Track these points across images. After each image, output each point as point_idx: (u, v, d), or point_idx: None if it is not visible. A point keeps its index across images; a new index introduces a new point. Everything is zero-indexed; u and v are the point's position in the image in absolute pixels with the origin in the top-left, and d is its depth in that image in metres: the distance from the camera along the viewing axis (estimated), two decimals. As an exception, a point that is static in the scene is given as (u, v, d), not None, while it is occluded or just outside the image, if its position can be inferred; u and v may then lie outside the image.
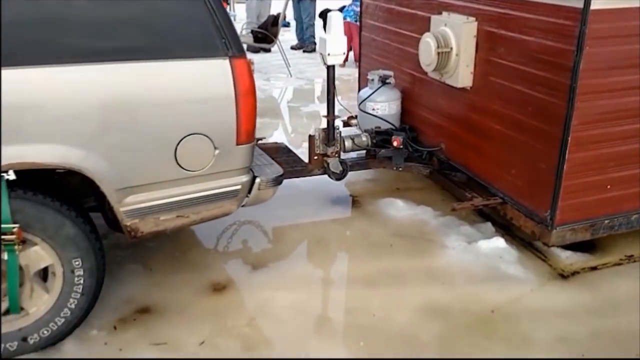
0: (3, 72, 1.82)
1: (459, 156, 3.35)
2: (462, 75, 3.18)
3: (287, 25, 9.19)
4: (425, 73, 3.43)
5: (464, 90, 3.21)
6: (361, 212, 3.49)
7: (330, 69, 3.23)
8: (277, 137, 4.95)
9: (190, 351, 2.21)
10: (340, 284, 2.78)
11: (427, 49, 3.22)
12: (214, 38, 2.15)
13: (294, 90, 6.69)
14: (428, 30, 3.32)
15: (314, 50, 8.54)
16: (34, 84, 1.89)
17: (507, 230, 3.15)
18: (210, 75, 2.17)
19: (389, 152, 3.45)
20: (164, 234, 2.49)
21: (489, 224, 3.20)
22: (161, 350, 2.21)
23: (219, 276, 2.75)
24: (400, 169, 3.46)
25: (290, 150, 3.51)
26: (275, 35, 7.31)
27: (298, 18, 8.53)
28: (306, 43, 8.51)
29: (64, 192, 2.17)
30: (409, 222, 3.28)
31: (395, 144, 3.35)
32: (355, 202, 3.61)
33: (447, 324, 2.44)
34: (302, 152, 3.62)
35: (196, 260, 2.90)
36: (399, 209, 3.41)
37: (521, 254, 2.96)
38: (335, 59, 3.15)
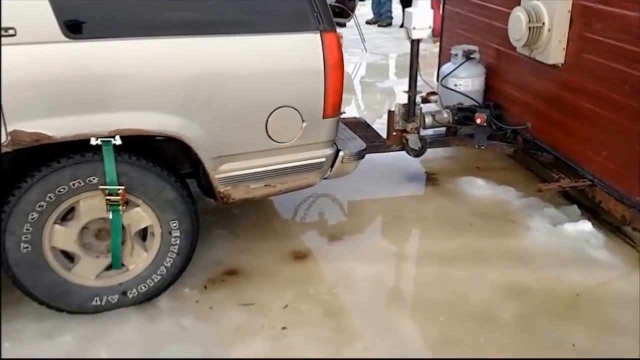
0: (119, 43, 1.95)
1: (546, 135, 3.24)
2: (554, 51, 3.05)
3: (363, -1, 9.11)
4: (513, 48, 3.33)
5: (555, 67, 3.09)
6: (439, 189, 3.46)
7: (415, 43, 3.20)
8: (351, 113, 4.96)
9: (275, 313, 2.31)
10: (418, 259, 2.80)
11: (518, 24, 3.11)
12: (307, 12, 2.19)
13: (368, 65, 6.66)
14: (519, 4, 3.20)
15: (389, 24, 8.43)
16: (141, 55, 2.01)
17: (594, 213, 3.04)
18: (301, 49, 2.22)
19: (471, 130, 3.39)
20: (251, 201, 2.61)
21: (574, 207, 3.10)
22: (248, 310, 2.33)
23: (300, 245, 2.85)
24: (483, 147, 3.39)
25: (369, 126, 3.53)
26: (352, 9, 7.26)
27: (375, -7, 8.43)
28: (382, 18, 8.40)
29: (163, 159, 2.31)
30: (490, 202, 3.23)
31: (478, 121, 3.28)
32: (432, 179, 3.59)
33: (529, 305, 2.41)
34: (377, 129, 3.63)
35: (277, 229, 3.01)
36: (479, 188, 3.36)
37: (608, 238, 2.85)
38: (420, 33, 3.11)
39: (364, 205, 3.32)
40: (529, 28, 3.05)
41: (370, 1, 8.75)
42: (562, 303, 2.42)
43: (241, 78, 2.16)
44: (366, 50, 7.13)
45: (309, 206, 3.28)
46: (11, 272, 2.07)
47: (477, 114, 3.30)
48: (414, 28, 3.08)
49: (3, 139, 1.84)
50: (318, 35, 2.22)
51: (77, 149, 2.03)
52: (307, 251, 2.80)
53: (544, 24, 3.03)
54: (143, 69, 2.01)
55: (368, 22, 8.43)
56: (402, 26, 8.51)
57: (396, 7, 8.82)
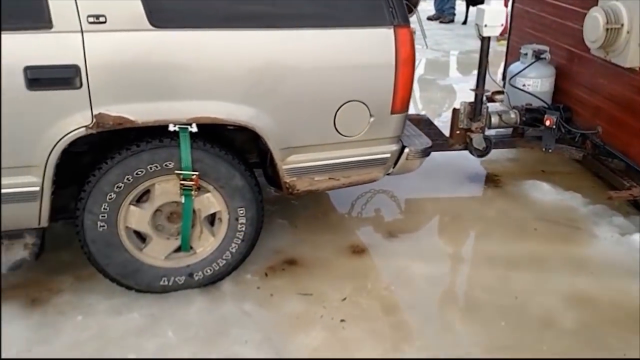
0: (200, 33, 2.02)
1: (618, 141, 3.11)
2: (632, 54, 2.92)
3: (425, -5, 8.97)
4: (587, 50, 3.20)
5: (632, 70, 2.96)
6: (501, 192, 3.39)
7: (485, 41, 3.13)
8: (410, 110, 4.91)
9: (333, 305, 2.34)
10: (478, 262, 2.76)
11: (594, 25, 3.00)
12: (382, 7, 2.20)
13: (429, 62, 6.56)
14: (596, 4, 3.08)
15: (451, 21, 8.29)
16: (220, 45, 2.06)
17: (666, 225, 2.90)
18: (374, 44, 2.22)
19: (539, 132, 3.29)
20: (314, 193, 2.65)
21: (645, 217, 2.97)
22: (307, 300, 2.37)
23: (357, 240, 2.86)
24: (550, 150, 3.29)
25: (431, 123, 3.49)
26: (415, 5, 7.13)
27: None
28: (445, 14, 8.27)
29: (233, 148, 2.37)
30: (555, 207, 3.13)
31: (547, 123, 3.19)
32: (495, 181, 3.51)
33: (593, 315, 2.34)
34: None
35: (335, 223, 3.04)
36: (544, 192, 3.27)
37: (680, 252, 2.72)
38: (491, 31, 3.04)
39: (422, 204, 3.29)
40: (607, 29, 2.93)
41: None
42: (629, 315, 2.33)
43: (313, 71, 2.18)
44: (427, 47, 7.02)
45: (367, 201, 3.29)
46: (87, 248, 2.19)
47: (546, 116, 3.21)
48: (485, 25, 3.02)
49: (89, 122, 1.94)
50: (392, 30, 2.22)
51: (156, 135, 2.11)
52: (365, 246, 2.80)
53: (622, 25, 2.90)
54: (221, 59, 2.07)
55: (430, 18, 8.31)
56: (464, 23, 8.44)
57: (459, 4, 8.66)
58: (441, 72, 6.21)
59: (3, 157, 1.92)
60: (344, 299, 2.39)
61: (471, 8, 8.24)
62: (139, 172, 2.12)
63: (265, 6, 2.13)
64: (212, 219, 2.39)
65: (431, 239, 2.95)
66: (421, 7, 8.29)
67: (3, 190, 1.97)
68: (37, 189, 1.99)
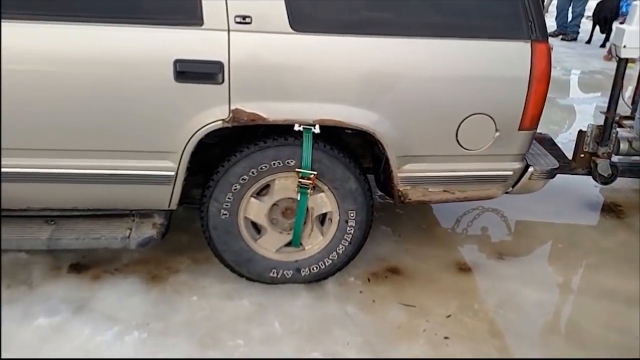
0: (335, 38, 2.07)
1: None
2: None
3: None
4: None
5: None
6: (623, 223, 3.16)
7: (622, 63, 2.93)
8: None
9: (437, 320, 2.30)
10: (595, 294, 2.58)
11: None
12: (521, 20, 2.13)
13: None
14: None
15: (574, 39, 7.87)
16: (352, 52, 2.09)
17: None
18: (509, 57, 2.16)
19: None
20: (425, 204, 2.62)
21: None
22: (410, 311, 2.35)
23: (463, 257, 2.78)
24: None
25: (554, 143, 3.32)
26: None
27: (564, 5, 7.90)
28: (568, 32, 7.86)
29: (348, 151, 2.41)
30: (686, 247, 2.87)
31: (685, 155, 2.92)
32: (617, 211, 3.28)
33: None
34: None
35: (441, 236, 2.98)
36: (675, 229, 3.00)
37: None
38: (630, 52, 2.85)
39: (534, 227, 3.15)
40: None
41: (555, 14, 8.22)
42: None
43: (442, 80, 2.16)
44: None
45: (474, 218, 3.20)
46: (208, 234, 2.31)
47: (684, 147, 2.94)
48: (624, 46, 2.83)
49: (226, 116, 2.06)
50: (529, 45, 2.14)
51: (281, 133, 2.19)
52: (472, 264, 2.72)
53: None
54: (352, 65, 2.10)
55: (551, 35, 7.90)
56: (588, 42, 7.96)
57: (583, 22, 8.20)
58: (561, 91, 5.90)
59: (146, 141, 2.09)
60: (449, 315, 2.33)
61: (598, 27, 7.77)
62: (263, 167, 2.21)
63: (399, 15, 2.13)
64: (322, 219, 2.44)
65: (543, 265, 2.81)
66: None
67: (141, 172, 2.14)
68: (172, 173, 2.14)
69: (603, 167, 3.05)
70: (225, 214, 2.27)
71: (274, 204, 2.33)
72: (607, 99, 3.14)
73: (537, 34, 2.15)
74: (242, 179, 2.22)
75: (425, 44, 2.13)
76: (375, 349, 2.13)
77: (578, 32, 7.92)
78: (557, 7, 8.12)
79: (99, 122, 2.05)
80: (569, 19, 7.88)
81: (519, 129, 2.25)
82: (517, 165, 2.36)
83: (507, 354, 2.16)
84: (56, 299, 2.28)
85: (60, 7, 1.97)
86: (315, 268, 2.43)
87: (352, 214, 2.36)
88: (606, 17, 7.48)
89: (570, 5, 7.82)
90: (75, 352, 2.03)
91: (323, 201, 2.36)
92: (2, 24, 1.93)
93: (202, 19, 1.97)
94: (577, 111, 5.18)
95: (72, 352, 2.03)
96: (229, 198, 2.24)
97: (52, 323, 2.16)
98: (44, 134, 2.06)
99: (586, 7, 7.92)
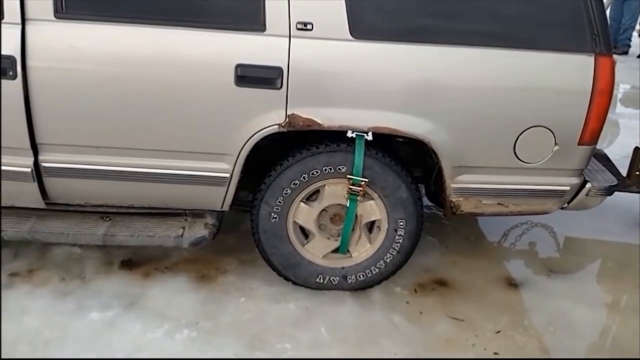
0: (393, 46, 2.06)
1: None
2: None
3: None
4: None
5: None
6: (681, 245, 3.04)
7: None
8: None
9: (486, 336, 2.25)
10: (648, 316, 2.49)
11: None
12: (585, 33, 2.08)
13: (595, 93, 6.08)
14: None
15: (625, 53, 7.65)
16: (410, 60, 2.09)
17: None
18: (571, 70, 2.11)
19: None
20: (478, 216, 2.58)
21: None
22: (458, 325, 2.31)
23: (512, 272, 2.72)
24: None
25: (609, 159, 3.21)
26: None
27: (616, 17, 7.69)
28: (619, 45, 7.65)
29: (399, 160, 2.39)
30: None
31: None
32: (674, 232, 3.16)
33: None
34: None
35: (488, 250, 2.93)
36: None
37: None
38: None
39: (583, 244, 3.07)
40: None
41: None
42: None
43: (501, 91, 2.13)
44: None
45: (522, 233, 3.13)
46: (258, 236, 2.33)
47: None
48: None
49: (282, 120, 2.07)
50: (592, 58, 2.09)
51: (334, 139, 2.20)
52: (521, 280, 2.66)
53: None
54: (408, 73, 2.09)
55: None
56: (639, 56, 7.69)
57: (634, 36, 7.96)
58: (612, 105, 5.72)
59: (204, 142, 2.12)
60: (498, 331, 2.29)
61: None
62: (315, 172, 2.22)
63: (460, 23, 2.12)
64: (370, 227, 2.43)
65: (593, 283, 2.73)
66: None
67: (197, 173, 2.17)
68: (228, 175, 2.17)
69: (660, 185, 2.94)
70: (275, 218, 2.28)
71: (323, 210, 2.34)
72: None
73: (602, 47, 2.10)
74: (294, 184, 2.23)
75: (485, 54, 2.11)
76: (424, 362, 2.11)
77: (629, 46, 7.69)
78: (609, 19, 7.92)
79: (159, 123, 2.10)
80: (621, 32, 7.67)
81: (579, 144, 2.20)
82: (575, 180, 2.31)
83: (559, 374, 2.11)
84: (108, 294, 2.34)
85: (125, 9, 2.03)
86: (362, 276, 2.42)
87: (401, 223, 2.34)
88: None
89: (622, 17, 7.61)
90: (126, 348, 2.07)
91: (372, 209, 2.35)
92: (70, 25, 2.00)
93: (264, 24, 2.00)
94: (628, 127, 5.02)
95: (123, 347, 2.07)
96: (279, 202, 2.26)
97: (105, 318, 2.21)
98: (106, 133, 2.12)
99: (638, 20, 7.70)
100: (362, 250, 2.42)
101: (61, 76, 2.03)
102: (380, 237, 2.39)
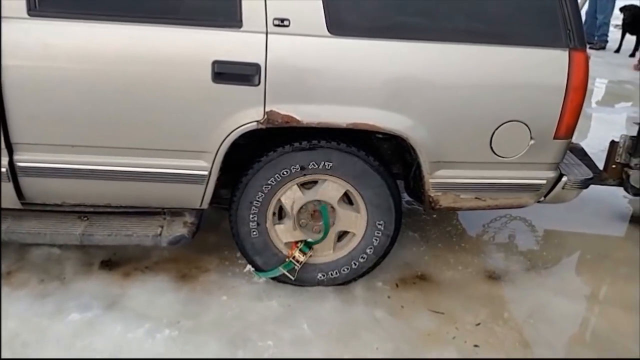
0: (370, 42, 2.06)
1: None
2: None
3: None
4: None
5: None
6: (656, 236, 3.11)
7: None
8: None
9: (467, 328, 2.27)
10: (625, 306, 2.52)
11: None
12: (559, 28, 2.11)
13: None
14: None
15: (602, 48, 7.78)
16: (388, 56, 2.09)
17: None
18: (546, 65, 2.14)
19: None
20: (456, 210, 2.60)
21: None
22: (439, 318, 2.33)
23: (492, 265, 2.75)
24: None
25: (586, 154, 3.27)
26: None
27: (591, 13, 7.82)
28: (596, 40, 7.77)
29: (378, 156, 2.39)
30: None
31: None
32: (650, 223, 3.22)
33: None
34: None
35: (468, 244, 2.95)
36: None
37: None
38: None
39: (563, 237, 3.11)
40: None
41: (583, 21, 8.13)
42: None
43: (478, 87, 2.14)
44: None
45: (502, 227, 3.17)
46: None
47: None
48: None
49: (261, 117, 2.07)
50: (566, 53, 2.12)
51: (307, 137, 2.20)
52: (501, 273, 2.69)
53: None
54: (388, 69, 2.10)
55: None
56: (617, 51, 7.84)
57: (612, 31, 8.09)
58: (589, 100, 5.81)
59: (181, 140, 2.11)
60: (478, 324, 2.31)
61: (627, 36, 7.66)
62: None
63: (436, 20, 2.14)
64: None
65: (573, 275, 2.77)
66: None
67: (175, 171, 2.16)
68: (206, 173, 2.16)
69: (635, 178, 2.99)
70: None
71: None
72: (637, 109, 3.10)
73: (576, 43, 2.13)
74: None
75: (461, 50, 2.12)
76: (405, 355, 2.12)
77: (607, 41, 7.82)
78: (585, 15, 8.05)
79: (136, 120, 2.08)
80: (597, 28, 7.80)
81: (554, 138, 2.22)
82: (551, 174, 2.34)
83: (538, 365, 2.13)
84: (88, 295, 2.31)
85: (100, 6, 2.01)
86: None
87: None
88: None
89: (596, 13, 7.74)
90: (106, 348, 2.05)
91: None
92: (45, 23, 1.97)
93: (241, 20, 1.99)
94: (605, 121, 5.11)
95: (104, 348, 2.05)
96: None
97: (85, 319, 2.19)
98: (82, 131, 2.09)
99: (614, 15, 7.82)
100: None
101: (35, 74, 2.00)
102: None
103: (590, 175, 2.45)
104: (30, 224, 2.26)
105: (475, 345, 2.19)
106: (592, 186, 3.14)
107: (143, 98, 2.05)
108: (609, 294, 2.66)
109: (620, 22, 7.75)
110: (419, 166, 2.27)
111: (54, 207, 2.30)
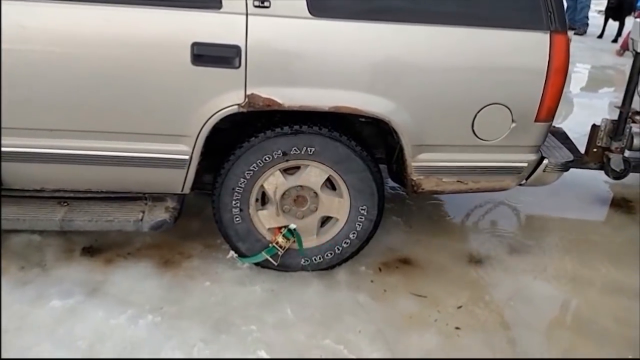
0: (353, 24, 2.05)
1: None
2: None
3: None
4: None
5: None
6: (634, 219, 3.17)
7: (638, 57, 2.91)
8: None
9: (448, 311, 2.30)
10: (604, 288, 2.57)
11: None
12: (541, 11, 2.11)
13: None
14: None
15: (584, 33, 7.82)
16: (370, 38, 2.07)
17: None
18: (527, 47, 2.14)
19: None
20: (439, 194, 2.62)
21: None
22: (421, 301, 2.35)
23: (475, 249, 2.77)
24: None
25: (567, 137, 3.30)
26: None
27: (573, -1, 7.87)
28: (577, 25, 7.81)
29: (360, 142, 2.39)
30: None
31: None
32: (628, 207, 3.28)
33: None
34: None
35: (451, 228, 2.98)
36: (685, 225, 2.99)
37: None
38: (648, 46, 2.82)
39: (545, 222, 3.14)
40: None
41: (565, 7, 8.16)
42: None
43: (460, 70, 2.14)
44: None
45: (486, 212, 3.20)
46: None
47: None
48: (641, 40, 2.81)
49: (242, 101, 2.05)
50: (547, 36, 2.12)
51: (289, 121, 2.18)
52: (483, 256, 2.72)
53: None
54: (369, 51, 2.08)
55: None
56: (599, 37, 7.89)
57: (593, 16, 8.14)
58: (571, 84, 5.86)
59: (161, 124, 2.09)
60: (460, 306, 2.33)
61: (610, 22, 7.71)
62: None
63: (418, 2, 2.13)
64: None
65: (554, 259, 2.79)
66: (552, 16, 7.95)
67: (155, 155, 2.14)
68: (187, 157, 2.14)
69: (616, 162, 3.03)
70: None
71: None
72: (619, 94, 3.13)
73: (557, 25, 2.13)
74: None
75: (443, 32, 2.11)
76: (387, 338, 2.14)
77: (588, 25, 7.86)
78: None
79: (115, 104, 2.05)
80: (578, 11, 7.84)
81: (535, 121, 2.23)
82: (532, 157, 2.35)
83: (520, 347, 2.15)
84: (70, 281, 2.29)
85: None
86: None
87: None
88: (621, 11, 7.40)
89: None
90: (89, 335, 2.04)
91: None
92: (20, 4, 1.93)
93: (220, 2, 1.96)
94: (587, 106, 5.15)
95: (86, 335, 2.04)
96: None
97: (66, 305, 2.17)
98: (60, 115, 2.06)
99: (595, 1, 7.87)
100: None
101: (11, 57, 1.96)
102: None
103: (571, 157, 2.48)
104: (9, 209, 2.22)
105: (457, 328, 2.21)
106: (573, 171, 3.19)
107: (121, 81, 2.01)
108: (589, 276, 2.69)
109: (602, 8, 7.80)
110: (401, 150, 2.27)
111: (34, 192, 2.27)
